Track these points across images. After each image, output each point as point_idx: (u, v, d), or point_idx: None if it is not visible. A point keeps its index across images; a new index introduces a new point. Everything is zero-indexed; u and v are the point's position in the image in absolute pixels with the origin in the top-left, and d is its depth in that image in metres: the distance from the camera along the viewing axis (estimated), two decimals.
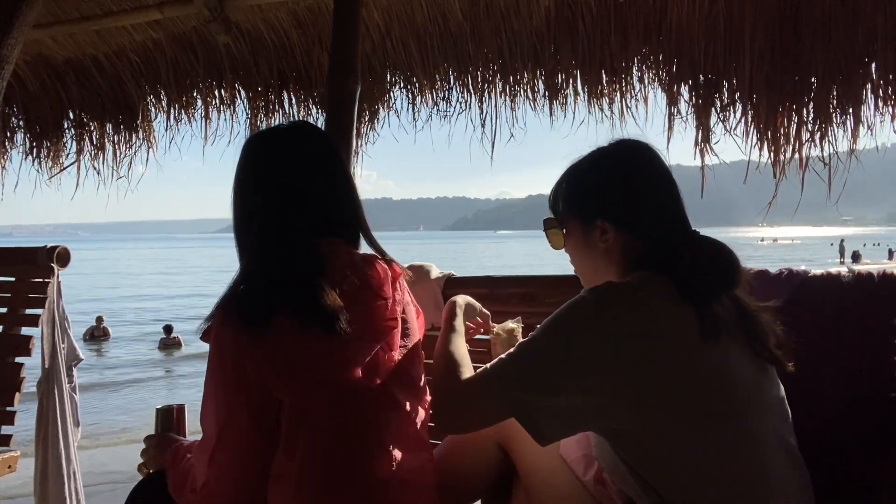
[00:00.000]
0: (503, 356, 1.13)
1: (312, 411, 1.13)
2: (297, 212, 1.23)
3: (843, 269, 1.55)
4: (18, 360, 2.30)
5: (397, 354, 1.24)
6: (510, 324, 1.59)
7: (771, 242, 67.60)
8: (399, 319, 1.27)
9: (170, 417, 1.47)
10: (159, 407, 1.48)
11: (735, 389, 1.05)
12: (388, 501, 1.14)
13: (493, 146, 2.65)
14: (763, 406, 1.10)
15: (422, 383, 1.31)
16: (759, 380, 1.11)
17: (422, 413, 1.28)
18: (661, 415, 1.01)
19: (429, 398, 1.32)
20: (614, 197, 1.21)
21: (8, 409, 2.24)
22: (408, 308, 1.33)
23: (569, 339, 1.05)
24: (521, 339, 1.48)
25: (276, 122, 3.00)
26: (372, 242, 1.32)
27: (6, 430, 2.25)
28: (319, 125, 2.92)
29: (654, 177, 1.21)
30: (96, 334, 15.09)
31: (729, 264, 1.13)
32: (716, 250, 1.14)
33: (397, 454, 1.16)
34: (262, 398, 1.12)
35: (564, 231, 1.30)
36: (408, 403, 1.23)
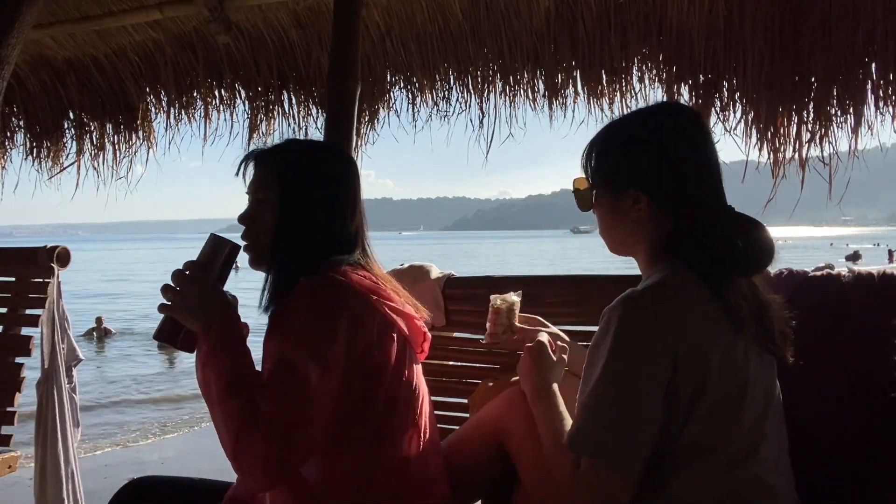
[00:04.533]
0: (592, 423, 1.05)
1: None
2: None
3: (843, 269, 1.55)
4: (18, 360, 2.30)
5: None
6: (512, 296, 1.54)
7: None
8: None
9: (222, 253, 1.22)
10: (216, 233, 1.25)
11: (755, 386, 1.08)
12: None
13: (488, 146, 2.65)
14: (775, 403, 1.14)
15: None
16: (770, 375, 1.14)
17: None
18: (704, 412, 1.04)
19: None
20: (652, 165, 1.13)
21: (8, 409, 2.24)
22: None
23: (640, 372, 1.02)
24: (518, 314, 1.50)
25: (276, 123, 3.01)
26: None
27: (6, 430, 2.25)
28: (319, 125, 2.94)
29: (697, 146, 1.14)
30: (97, 335, 14.93)
31: (766, 241, 1.09)
32: (752, 226, 1.10)
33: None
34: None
35: (595, 193, 1.21)
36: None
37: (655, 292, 1.06)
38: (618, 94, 2.43)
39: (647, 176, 1.13)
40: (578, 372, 1.15)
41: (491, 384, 1.73)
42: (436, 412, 1.47)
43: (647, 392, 1.01)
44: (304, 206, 1.25)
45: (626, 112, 2.43)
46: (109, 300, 23.03)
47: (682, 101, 1.11)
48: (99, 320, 15.49)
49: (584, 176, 1.23)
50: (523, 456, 1.34)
